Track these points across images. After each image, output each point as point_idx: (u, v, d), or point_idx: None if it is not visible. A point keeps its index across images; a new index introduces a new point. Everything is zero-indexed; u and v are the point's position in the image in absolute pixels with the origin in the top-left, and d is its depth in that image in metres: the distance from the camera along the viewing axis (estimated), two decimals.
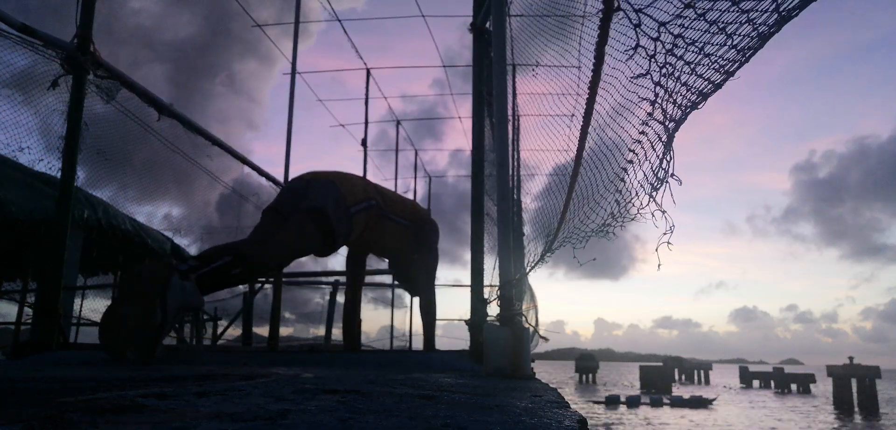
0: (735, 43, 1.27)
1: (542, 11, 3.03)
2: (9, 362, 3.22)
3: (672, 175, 1.55)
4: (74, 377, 1.75)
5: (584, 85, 1.95)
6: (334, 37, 7.76)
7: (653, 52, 1.36)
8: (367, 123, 8.91)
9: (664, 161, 1.59)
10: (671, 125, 1.53)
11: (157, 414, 0.99)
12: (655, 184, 1.66)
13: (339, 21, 7.80)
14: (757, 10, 1.20)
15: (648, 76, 1.41)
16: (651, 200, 1.68)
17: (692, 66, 1.36)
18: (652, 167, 1.66)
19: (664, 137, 1.57)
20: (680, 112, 1.50)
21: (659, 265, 1.72)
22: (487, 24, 3.71)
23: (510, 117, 4.59)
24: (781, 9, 1.18)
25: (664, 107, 1.47)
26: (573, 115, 2.55)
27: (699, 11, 1.25)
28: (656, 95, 1.45)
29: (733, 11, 1.23)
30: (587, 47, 1.89)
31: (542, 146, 3.64)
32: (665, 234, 1.65)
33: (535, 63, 3.20)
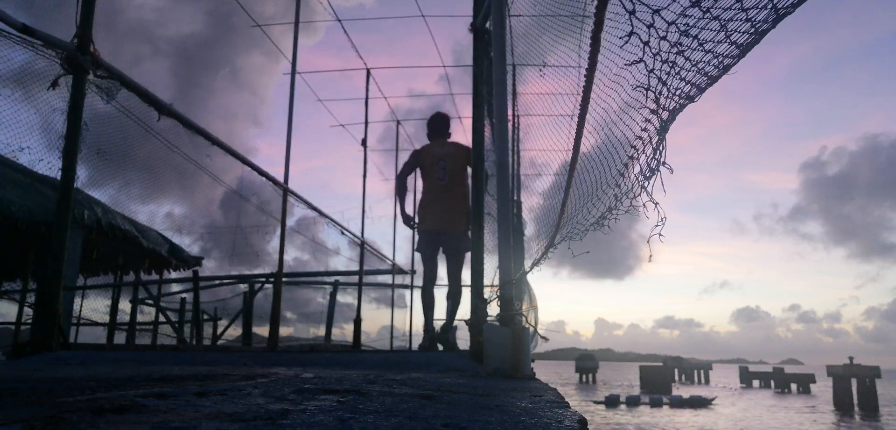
0: (729, 33, 1.27)
1: (541, 11, 3.03)
2: (9, 362, 3.22)
3: (663, 164, 1.54)
4: (74, 377, 1.75)
5: (582, 78, 1.94)
6: (340, 34, 7.72)
7: (647, 39, 1.36)
8: (366, 123, 8.90)
9: (657, 152, 1.58)
10: (665, 115, 1.53)
11: (157, 414, 0.99)
12: (647, 173, 1.66)
13: (340, 21, 7.80)
14: (753, 6, 1.20)
15: (642, 63, 1.40)
16: (643, 190, 1.67)
17: (686, 53, 1.36)
18: (646, 159, 1.66)
19: (657, 126, 1.57)
20: (674, 102, 1.49)
21: (650, 257, 1.72)
22: (487, 25, 3.72)
23: (510, 117, 4.59)
24: (778, 3, 1.18)
25: (657, 94, 1.46)
26: (573, 115, 2.55)
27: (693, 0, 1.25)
28: (650, 84, 1.44)
29: (728, 3, 1.22)
30: (585, 37, 1.88)
31: (543, 146, 3.65)
32: (657, 225, 1.65)
33: (543, 63, 3.20)
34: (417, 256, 5.55)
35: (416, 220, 5.49)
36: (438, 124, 5.62)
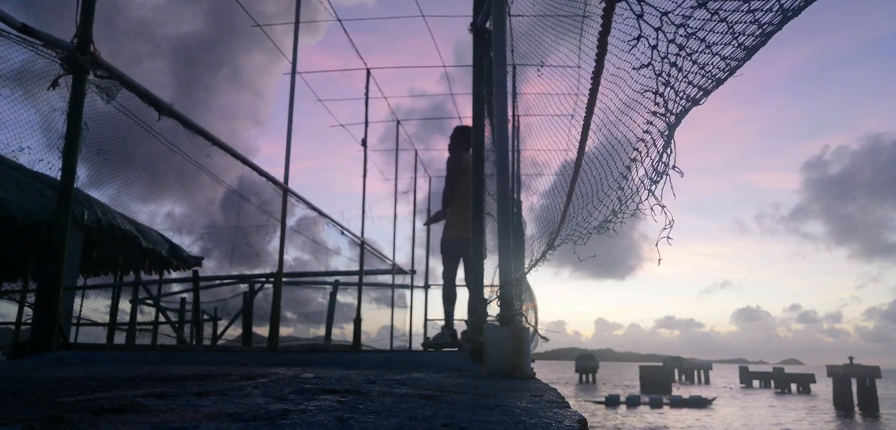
0: (736, 33, 1.26)
1: (542, 11, 3.02)
2: (9, 362, 3.22)
3: (673, 167, 1.54)
4: (74, 377, 1.75)
5: (584, 82, 1.94)
6: (340, 34, 7.72)
7: (654, 42, 1.35)
8: (366, 122, 8.91)
9: (664, 155, 1.58)
10: (672, 118, 1.52)
11: (157, 414, 0.99)
12: (655, 178, 1.65)
13: (340, 21, 7.79)
14: (761, 9, 1.20)
15: (650, 66, 1.39)
16: (650, 194, 1.67)
17: (694, 56, 1.35)
18: (653, 162, 1.65)
19: (664, 130, 1.56)
20: (681, 106, 1.49)
21: (659, 260, 1.71)
22: (487, 25, 3.71)
23: (510, 118, 4.59)
24: (785, 5, 1.17)
25: (665, 96, 1.46)
26: (573, 114, 2.55)
27: (700, 1, 1.24)
28: (657, 87, 1.44)
29: (734, 4, 1.22)
30: (590, 38, 1.87)
31: (543, 146, 3.64)
32: (665, 228, 1.64)
33: (541, 64, 3.20)
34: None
35: (445, 222, 5.54)
36: (469, 136, 5.76)
